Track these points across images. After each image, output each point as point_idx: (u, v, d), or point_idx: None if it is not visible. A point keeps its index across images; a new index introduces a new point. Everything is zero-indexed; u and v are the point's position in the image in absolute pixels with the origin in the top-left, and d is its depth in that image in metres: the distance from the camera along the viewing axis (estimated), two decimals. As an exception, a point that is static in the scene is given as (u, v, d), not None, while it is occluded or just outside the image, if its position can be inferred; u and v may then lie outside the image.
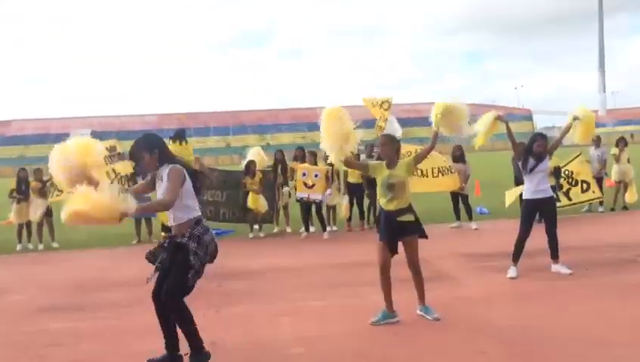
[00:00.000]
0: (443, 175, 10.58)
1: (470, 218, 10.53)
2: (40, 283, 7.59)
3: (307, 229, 10.46)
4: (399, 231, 5.07)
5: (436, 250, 7.76)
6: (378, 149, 11.64)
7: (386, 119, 12.61)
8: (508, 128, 6.76)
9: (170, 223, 4.22)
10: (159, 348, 4.27)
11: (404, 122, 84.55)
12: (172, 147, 8.22)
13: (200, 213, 4.26)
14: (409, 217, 5.10)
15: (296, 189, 10.54)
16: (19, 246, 10.55)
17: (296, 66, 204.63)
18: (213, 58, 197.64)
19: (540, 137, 6.79)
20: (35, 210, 10.44)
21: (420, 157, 5.45)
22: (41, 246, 10.56)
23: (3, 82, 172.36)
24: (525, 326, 4.81)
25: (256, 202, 10.47)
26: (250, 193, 10.47)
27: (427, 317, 5.11)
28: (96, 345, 4.89)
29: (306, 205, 10.44)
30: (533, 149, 6.58)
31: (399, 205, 5.06)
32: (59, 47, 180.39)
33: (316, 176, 10.26)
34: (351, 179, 10.92)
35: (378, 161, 5.39)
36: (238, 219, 11.04)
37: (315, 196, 10.24)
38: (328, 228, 10.90)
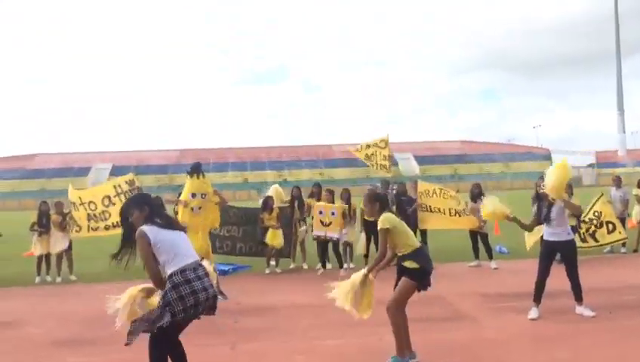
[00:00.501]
0: (459, 216, 10.61)
1: (490, 257, 10.41)
2: (57, 316, 7.62)
3: (324, 266, 10.46)
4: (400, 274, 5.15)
5: (455, 288, 7.67)
6: (395, 187, 11.71)
7: (388, 156, 12.68)
8: (517, 221, 6.61)
9: None
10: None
11: (422, 160, 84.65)
12: (190, 181, 8.31)
13: (184, 262, 4.03)
14: (411, 264, 5.07)
15: (312, 227, 10.57)
16: (37, 279, 10.63)
17: (312, 102, 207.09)
18: (233, 94, 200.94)
19: (541, 179, 6.70)
20: (56, 242, 10.55)
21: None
22: (59, 279, 10.62)
23: (27, 118, 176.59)
24: (547, 370, 4.69)
25: (275, 238, 10.51)
26: (270, 229, 10.52)
27: None
28: (112, 380, 4.86)
29: (322, 242, 10.45)
30: (539, 193, 6.55)
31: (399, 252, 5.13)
32: (84, 85, 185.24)
33: (333, 214, 10.34)
34: (368, 217, 10.87)
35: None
36: (255, 253, 11.06)
37: (332, 234, 10.28)
38: (345, 266, 10.84)
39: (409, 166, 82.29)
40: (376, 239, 10.80)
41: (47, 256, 10.72)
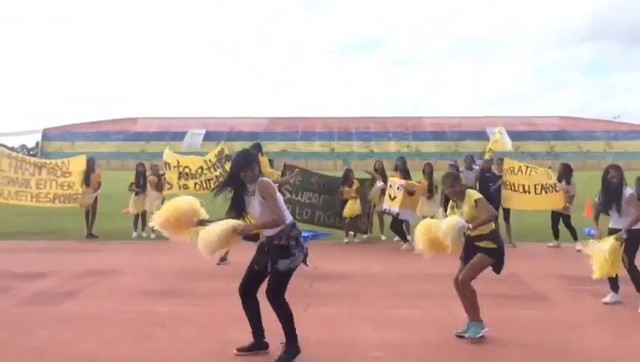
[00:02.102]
0: (547, 192, 10.16)
1: (575, 238, 10.01)
2: (149, 269, 8.28)
3: (403, 239, 10.44)
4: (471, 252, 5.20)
5: (531, 268, 7.54)
6: (480, 163, 11.45)
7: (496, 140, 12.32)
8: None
9: (266, 232, 4.46)
10: (249, 336, 4.59)
11: (517, 135, 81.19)
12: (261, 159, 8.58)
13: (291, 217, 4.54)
14: (488, 244, 5.12)
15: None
16: (134, 234, 11.52)
17: (407, 75, 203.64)
18: (324, 63, 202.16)
19: (612, 169, 6.28)
20: (151, 201, 11.35)
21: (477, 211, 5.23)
22: (153, 236, 11.44)
23: (130, 83, 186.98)
24: (618, 356, 4.58)
25: (352, 208, 10.66)
26: (348, 201, 10.67)
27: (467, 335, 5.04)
28: (193, 330, 5.30)
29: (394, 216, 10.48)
30: (608, 182, 6.19)
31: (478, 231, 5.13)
32: (184, 55, 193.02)
33: (398, 188, 10.22)
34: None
35: (450, 206, 5.45)
36: (332, 224, 11.22)
37: (393, 208, 10.21)
38: (408, 238, 10.87)
39: (502, 141, 79.34)
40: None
41: (143, 213, 11.55)
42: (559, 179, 10.25)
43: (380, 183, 10.86)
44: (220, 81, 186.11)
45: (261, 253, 4.52)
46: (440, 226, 5.05)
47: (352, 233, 11.15)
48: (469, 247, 5.21)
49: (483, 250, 5.11)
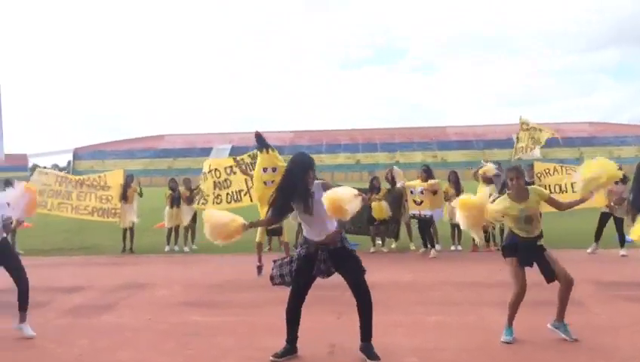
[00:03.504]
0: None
1: (622, 244, 9.75)
2: (183, 281, 8.42)
3: (425, 246, 10.45)
4: (538, 252, 5.14)
5: (573, 275, 7.42)
6: (503, 171, 11.34)
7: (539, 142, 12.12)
8: None
9: (316, 236, 4.58)
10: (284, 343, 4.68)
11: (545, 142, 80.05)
12: (260, 156, 8.39)
13: None
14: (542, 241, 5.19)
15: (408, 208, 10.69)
16: (167, 248, 11.73)
17: (429, 83, 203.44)
18: (347, 75, 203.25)
19: None
20: (184, 215, 11.57)
21: (552, 203, 5.34)
22: (186, 249, 11.63)
23: (157, 101, 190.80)
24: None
25: (380, 210, 10.64)
26: (373, 202, 10.66)
27: (562, 335, 5.01)
28: (230, 338, 5.40)
29: (421, 221, 10.47)
30: None
31: (538, 231, 5.16)
32: (205, 71, 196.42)
33: (421, 192, 10.27)
34: (514, 192, 10.69)
35: (503, 198, 5.31)
36: (361, 231, 11.24)
37: (426, 212, 10.27)
38: (452, 248, 10.85)
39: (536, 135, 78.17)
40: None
41: (177, 227, 11.77)
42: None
43: (400, 183, 10.89)
44: (244, 96, 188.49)
45: (312, 262, 4.62)
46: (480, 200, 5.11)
47: (379, 242, 11.17)
48: (530, 249, 5.11)
49: (543, 247, 5.14)
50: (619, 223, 9.83)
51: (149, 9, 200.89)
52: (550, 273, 5.08)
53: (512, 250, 5.17)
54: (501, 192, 10.29)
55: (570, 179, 9.93)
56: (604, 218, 10.05)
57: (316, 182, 4.65)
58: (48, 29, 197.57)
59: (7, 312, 5.59)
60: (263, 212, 4.75)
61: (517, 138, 12.53)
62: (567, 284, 5.07)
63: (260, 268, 8.51)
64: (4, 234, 5.67)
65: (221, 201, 10.88)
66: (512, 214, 5.09)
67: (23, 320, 5.62)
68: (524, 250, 5.11)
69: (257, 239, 8.73)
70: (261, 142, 8.38)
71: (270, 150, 8.35)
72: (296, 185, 4.57)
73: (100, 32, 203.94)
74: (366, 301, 4.65)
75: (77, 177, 12.19)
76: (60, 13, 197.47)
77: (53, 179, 11.61)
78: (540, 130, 12.50)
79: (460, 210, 5.19)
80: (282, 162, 8.64)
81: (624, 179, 9.91)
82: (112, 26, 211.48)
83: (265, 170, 8.25)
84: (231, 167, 10.86)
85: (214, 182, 10.86)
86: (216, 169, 10.88)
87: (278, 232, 9.11)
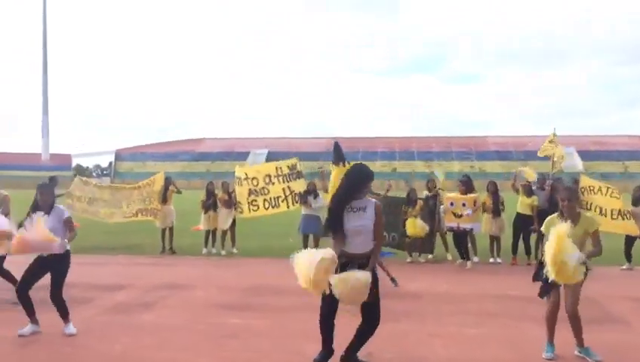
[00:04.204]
0: (623, 219, 9.73)
1: None
2: (219, 283, 8.55)
3: (463, 257, 10.32)
4: None
5: (606, 291, 7.28)
6: (549, 183, 11.12)
7: (561, 155, 11.94)
8: None
9: (351, 249, 4.50)
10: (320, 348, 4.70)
11: (587, 155, 78.11)
12: (337, 170, 8.61)
13: None
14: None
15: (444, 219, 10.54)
16: (204, 250, 11.91)
17: (469, 92, 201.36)
18: (386, 83, 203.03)
19: None
20: (222, 219, 11.75)
21: (592, 239, 5.13)
22: (223, 252, 11.79)
23: (195, 104, 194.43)
24: None
25: (415, 226, 10.56)
26: (410, 219, 10.60)
27: (588, 359, 4.89)
28: (266, 341, 5.47)
29: (459, 234, 10.35)
30: None
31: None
32: (244, 77, 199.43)
33: (464, 205, 10.14)
34: (520, 209, 10.58)
35: (554, 217, 5.16)
36: (397, 245, 11.13)
37: (466, 225, 10.15)
38: (491, 260, 10.69)
39: (571, 161, 76.34)
40: (526, 236, 10.51)
41: (214, 230, 11.95)
42: (635, 204, 9.79)
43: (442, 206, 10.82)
44: (281, 101, 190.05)
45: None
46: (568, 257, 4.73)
47: (416, 253, 11.08)
48: None
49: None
50: None
51: (197, 18, 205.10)
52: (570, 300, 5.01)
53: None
54: (550, 209, 10.12)
55: (612, 205, 9.74)
56: (629, 240, 9.90)
57: (372, 200, 4.65)
58: (93, 32, 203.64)
59: (51, 309, 5.78)
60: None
61: (553, 153, 12.38)
62: (570, 317, 4.98)
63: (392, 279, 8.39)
64: (68, 247, 5.82)
65: (258, 208, 11.09)
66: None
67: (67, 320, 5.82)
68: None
69: None
70: (338, 156, 8.50)
71: (347, 163, 8.37)
72: (352, 197, 4.54)
73: (141, 36, 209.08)
74: (373, 327, 4.56)
75: (130, 186, 12.62)
76: (107, 17, 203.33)
77: (108, 193, 12.19)
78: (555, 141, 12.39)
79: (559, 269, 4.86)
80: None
81: None
82: (152, 33, 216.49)
83: None
84: (269, 176, 11.03)
85: (250, 189, 11.06)
86: (254, 177, 11.09)
87: None
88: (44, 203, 5.83)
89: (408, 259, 10.85)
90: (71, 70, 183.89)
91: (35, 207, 5.84)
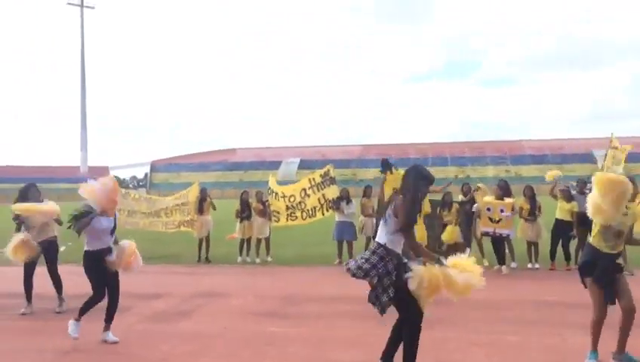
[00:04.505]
0: None
1: None
2: (255, 291, 8.60)
3: (499, 263, 10.14)
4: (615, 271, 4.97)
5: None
6: (590, 186, 10.85)
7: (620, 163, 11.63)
8: None
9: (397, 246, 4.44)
10: (359, 358, 4.67)
11: (631, 157, 75.88)
12: (389, 177, 8.62)
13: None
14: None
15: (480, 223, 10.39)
16: (239, 259, 12.01)
17: (502, 96, 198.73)
18: (418, 89, 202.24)
19: None
20: (258, 228, 11.88)
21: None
22: (257, 260, 11.87)
23: (227, 116, 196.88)
24: None
25: (451, 234, 10.47)
26: (447, 226, 10.51)
27: None
28: (304, 350, 5.47)
29: (496, 239, 10.18)
30: None
31: (621, 248, 5.07)
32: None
33: (502, 211, 9.97)
34: (559, 215, 10.37)
35: None
36: (432, 249, 11.01)
37: (502, 231, 9.99)
38: (529, 265, 10.49)
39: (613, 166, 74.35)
40: (565, 242, 10.29)
41: (248, 239, 12.06)
42: None
43: (475, 206, 10.64)
44: (312, 110, 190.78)
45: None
46: None
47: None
48: (609, 266, 4.90)
49: (621, 267, 5.06)
50: None
51: (237, 31, 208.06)
52: (614, 295, 4.88)
53: (589, 268, 4.98)
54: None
55: None
56: None
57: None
58: (130, 44, 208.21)
59: (92, 317, 5.91)
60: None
61: (605, 155, 12.05)
62: (629, 312, 4.84)
63: None
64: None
65: (296, 218, 11.34)
66: (609, 223, 4.84)
67: (107, 329, 5.94)
68: (604, 266, 4.88)
69: None
70: (385, 165, 8.66)
71: (395, 170, 8.52)
72: (421, 197, 4.50)
73: (173, 46, 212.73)
74: (406, 324, 4.49)
75: (162, 199, 13.08)
76: (128, 29, 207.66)
77: (145, 206, 12.56)
78: (623, 150, 12.03)
79: None
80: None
81: None
82: (187, 47, 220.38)
83: (394, 189, 8.03)
84: (305, 189, 11.35)
85: (287, 205, 11.33)
86: (291, 195, 11.40)
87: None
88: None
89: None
90: (110, 82, 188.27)
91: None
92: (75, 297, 6.84)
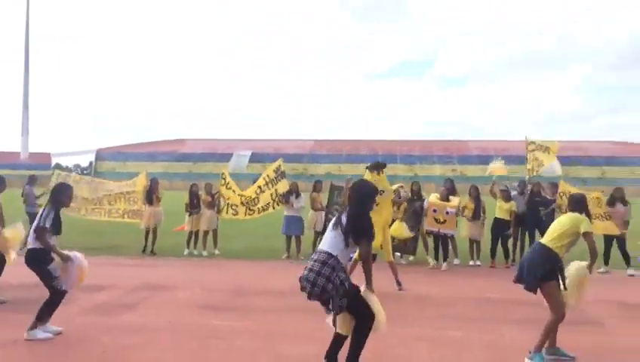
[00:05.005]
0: (600, 221, 9.95)
1: (627, 264, 9.85)
2: (202, 284, 8.50)
3: (436, 259, 10.47)
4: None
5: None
6: (530, 187, 11.26)
7: (542, 164, 12.06)
8: None
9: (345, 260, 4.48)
10: (307, 352, 4.70)
11: (567, 160, 79.10)
12: (370, 177, 8.21)
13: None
14: None
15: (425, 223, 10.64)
16: (186, 251, 11.85)
17: (452, 97, 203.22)
18: (368, 87, 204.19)
19: None
20: (205, 220, 11.74)
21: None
22: (204, 253, 11.75)
23: (178, 106, 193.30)
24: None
25: (400, 230, 10.63)
26: (395, 222, 10.66)
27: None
28: (251, 343, 5.46)
29: (441, 238, 10.51)
30: None
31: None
32: (226, 78, 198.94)
33: (447, 213, 10.28)
34: (498, 214, 10.75)
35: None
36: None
37: (446, 231, 10.35)
38: (471, 263, 10.82)
39: (550, 166, 77.07)
40: (504, 240, 10.66)
41: (196, 232, 11.91)
42: (611, 203, 10.04)
43: (424, 203, 10.86)
44: (265, 103, 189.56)
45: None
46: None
47: (398, 254, 11.16)
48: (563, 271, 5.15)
49: None
50: (622, 244, 10.00)
51: (181, 17, 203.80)
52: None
53: (554, 272, 5.06)
54: (530, 214, 10.30)
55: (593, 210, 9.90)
56: (608, 241, 10.11)
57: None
58: (73, 31, 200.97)
59: (28, 310, 5.71)
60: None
61: (526, 158, 12.53)
62: (560, 317, 5.06)
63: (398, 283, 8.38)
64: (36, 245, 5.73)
65: (253, 213, 11.33)
66: (575, 237, 5.12)
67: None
68: (561, 268, 5.10)
69: (388, 259, 8.58)
70: (377, 165, 8.40)
71: (381, 173, 8.28)
72: (366, 212, 4.57)
73: (126, 38, 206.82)
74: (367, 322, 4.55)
75: (107, 181, 12.52)
76: (83, 15, 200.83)
77: (87, 190, 11.97)
78: (548, 148, 12.46)
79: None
80: (389, 186, 8.60)
81: (625, 201, 10.06)
82: (138, 33, 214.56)
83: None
84: (260, 186, 11.45)
85: (242, 201, 11.32)
86: (249, 195, 11.49)
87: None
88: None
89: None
90: (53, 67, 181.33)
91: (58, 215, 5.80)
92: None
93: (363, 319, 4.42)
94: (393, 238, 10.75)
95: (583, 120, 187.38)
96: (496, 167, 11.43)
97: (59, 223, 5.72)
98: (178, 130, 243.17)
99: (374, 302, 4.45)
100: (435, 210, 10.40)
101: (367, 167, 8.28)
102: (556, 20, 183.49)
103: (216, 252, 11.83)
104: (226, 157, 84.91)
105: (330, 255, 4.35)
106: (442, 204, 10.41)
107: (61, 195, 5.87)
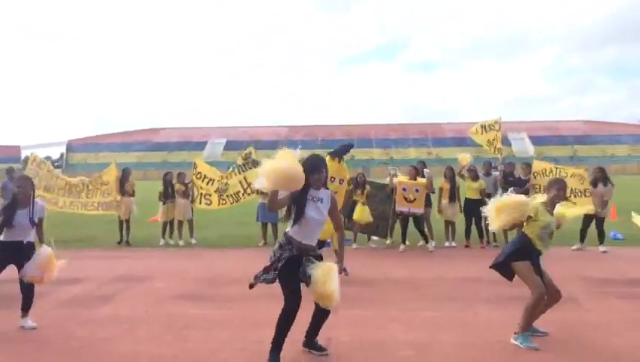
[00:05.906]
0: (575, 197, 10.01)
1: (601, 242, 10.07)
2: (178, 274, 8.46)
3: (404, 242, 10.56)
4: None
5: (559, 271, 7.51)
6: (501, 168, 11.38)
7: (499, 139, 12.14)
8: None
9: (308, 241, 4.54)
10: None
11: (539, 140, 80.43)
12: (331, 164, 7.81)
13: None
14: None
15: (395, 203, 10.64)
16: (161, 242, 11.75)
17: (426, 80, 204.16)
18: (342, 73, 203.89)
19: None
20: (180, 209, 11.63)
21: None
22: (181, 243, 11.67)
23: (152, 94, 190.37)
24: (647, 356, 4.63)
25: (362, 214, 10.68)
26: (358, 204, 10.72)
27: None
28: (226, 332, 5.47)
29: (404, 219, 10.59)
30: None
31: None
32: (201, 67, 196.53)
33: (417, 191, 10.37)
34: (469, 195, 10.88)
35: (540, 203, 5.21)
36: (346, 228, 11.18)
37: (416, 210, 10.40)
38: (447, 244, 10.95)
39: (522, 146, 78.59)
40: (477, 220, 10.80)
41: (171, 221, 11.81)
42: (594, 183, 10.21)
43: (394, 175, 10.92)
44: (239, 90, 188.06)
45: (298, 264, 4.51)
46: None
47: (373, 238, 11.23)
48: (537, 254, 5.18)
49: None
50: (600, 222, 10.18)
51: (150, 6, 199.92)
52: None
53: (526, 253, 5.11)
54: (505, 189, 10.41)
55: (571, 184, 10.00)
56: (587, 219, 10.26)
57: (328, 190, 4.63)
58: (46, 21, 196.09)
59: (6, 305, 5.62)
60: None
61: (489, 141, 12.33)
62: (556, 299, 5.17)
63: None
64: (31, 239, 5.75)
65: (225, 203, 11.14)
66: (545, 225, 5.09)
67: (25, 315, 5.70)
68: (536, 255, 5.14)
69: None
70: (340, 152, 8.00)
71: (342, 161, 7.98)
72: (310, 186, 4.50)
73: (99, 27, 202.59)
74: (327, 311, 4.64)
75: (82, 179, 12.19)
76: (60, 6, 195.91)
77: (62, 184, 11.73)
78: (496, 125, 12.31)
79: (500, 212, 5.17)
80: (348, 174, 8.36)
81: (606, 181, 10.25)
82: (111, 21, 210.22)
83: (332, 179, 7.68)
84: (227, 175, 11.30)
85: (215, 189, 11.20)
86: (211, 179, 11.32)
87: None
88: (25, 197, 5.67)
89: (354, 246, 10.95)
90: (22, 58, 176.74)
91: (14, 204, 5.62)
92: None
93: (285, 303, 4.48)
94: (355, 222, 10.81)
95: (550, 101, 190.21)
96: (464, 158, 11.59)
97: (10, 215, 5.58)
98: (152, 120, 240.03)
99: (330, 279, 4.40)
100: (404, 189, 10.47)
101: (329, 153, 7.85)
102: (527, 3, 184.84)
103: (193, 241, 11.76)
104: (200, 145, 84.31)
105: (284, 233, 4.60)
106: (411, 182, 10.49)
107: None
